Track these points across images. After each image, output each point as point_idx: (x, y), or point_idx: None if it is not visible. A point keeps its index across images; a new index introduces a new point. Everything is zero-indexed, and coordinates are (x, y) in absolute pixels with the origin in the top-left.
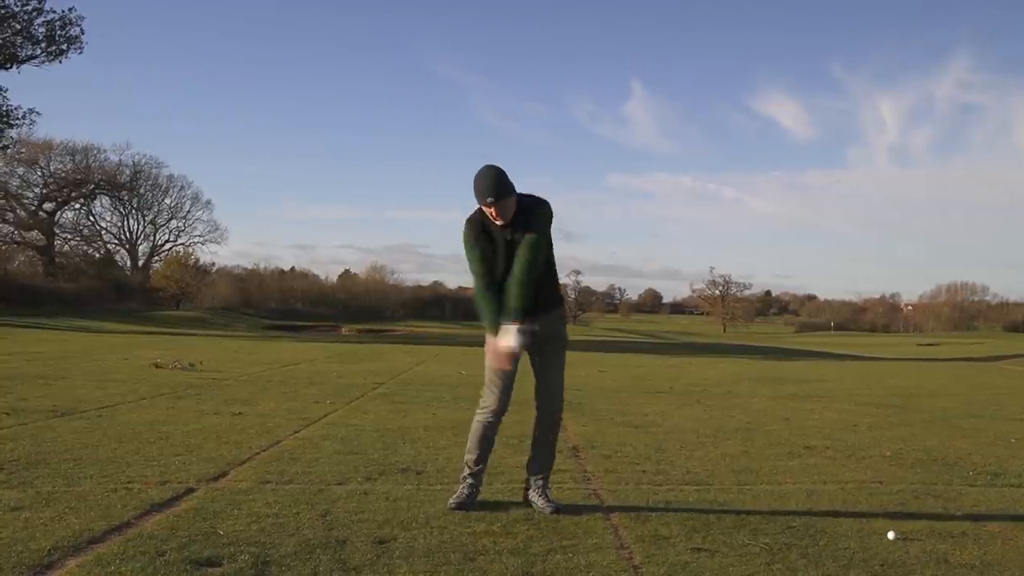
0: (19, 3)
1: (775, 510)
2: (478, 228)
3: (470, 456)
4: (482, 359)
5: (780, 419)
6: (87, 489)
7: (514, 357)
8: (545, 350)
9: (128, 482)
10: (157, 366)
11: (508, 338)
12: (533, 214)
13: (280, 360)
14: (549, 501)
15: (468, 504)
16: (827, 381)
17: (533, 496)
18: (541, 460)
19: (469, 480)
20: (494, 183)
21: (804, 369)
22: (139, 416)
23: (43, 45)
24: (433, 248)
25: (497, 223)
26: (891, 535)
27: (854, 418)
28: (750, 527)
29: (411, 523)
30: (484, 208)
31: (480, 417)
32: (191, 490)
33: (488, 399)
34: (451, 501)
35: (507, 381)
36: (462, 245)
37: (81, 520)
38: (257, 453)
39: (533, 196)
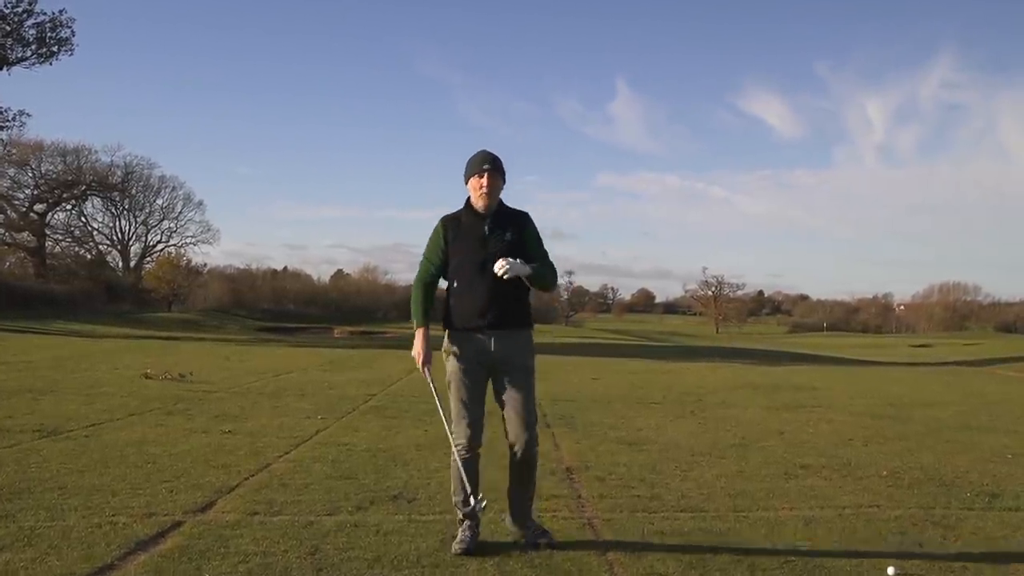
0: (9, 5)
1: (773, 542)
2: (452, 225)
3: (456, 498)
4: None
5: (775, 433)
6: (71, 524)
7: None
8: (508, 378)
9: (113, 515)
10: (147, 376)
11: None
12: (525, 226)
13: (272, 369)
14: (536, 532)
15: (472, 547)
16: (821, 389)
17: (518, 529)
18: (520, 502)
19: (466, 523)
20: (492, 155)
21: (797, 375)
22: (127, 435)
23: (33, 47)
24: (425, 248)
25: (480, 204)
26: (891, 571)
27: (849, 431)
28: (747, 563)
29: (402, 561)
30: (476, 179)
31: (455, 455)
32: (178, 524)
33: (458, 434)
34: (455, 547)
35: (475, 411)
36: (431, 238)
37: (63, 562)
38: (246, 478)
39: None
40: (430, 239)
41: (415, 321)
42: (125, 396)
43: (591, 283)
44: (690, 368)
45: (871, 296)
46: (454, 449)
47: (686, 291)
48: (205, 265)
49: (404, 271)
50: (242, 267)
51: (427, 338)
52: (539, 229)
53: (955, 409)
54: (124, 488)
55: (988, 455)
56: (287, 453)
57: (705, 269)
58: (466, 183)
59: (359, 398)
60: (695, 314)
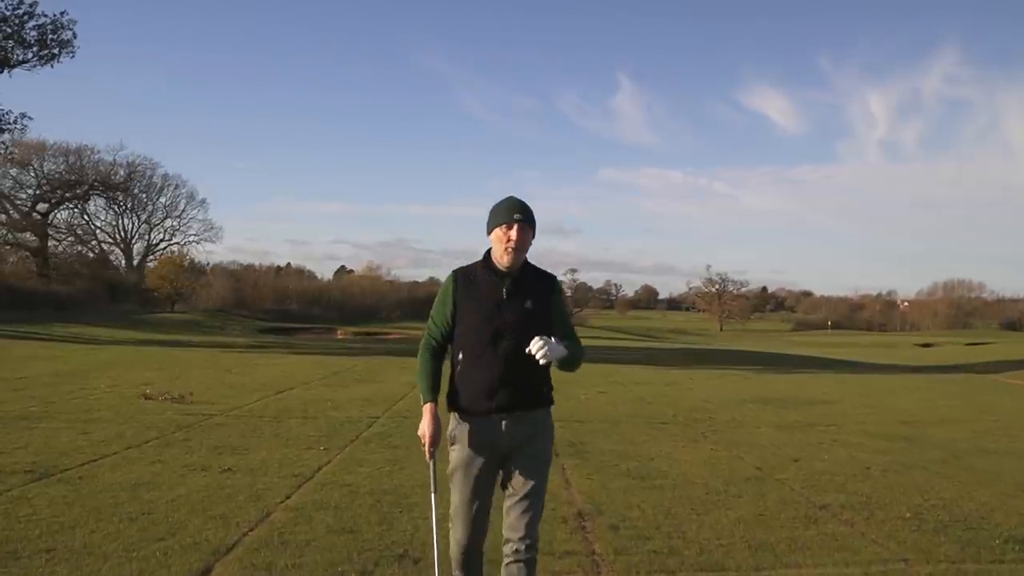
0: (10, 7)
1: None
2: (464, 282)
3: (459, 574)
4: None
5: (790, 460)
6: None
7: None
8: (518, 468)
9: None
10: (146, 397)
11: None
12: (551, 293)
13: (274, 383)
14: None
15: None
16: (831, 403)
17: None
18: None
19: None
20: (522, 203)
21: (806, 386)
22: (123, 476)
23: (35, 49)
24: (427, 243)
25: (505, 260)
26: None
27: (865, 456)
28: None
29: None
30: (503, 230)
31: (454, 550)
32: None
33: (458, 530)
34: None
35: (479, 508)
36: (439, 295)
37: None
38: (245, 533)
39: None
40: (438, 296)
41: (422, 396)
42: (122, 423)
43: (594, 279)
44: (697, 378)
45: (875, 293)
46: (453, 542)
47: (690, 288)
48: (208, 264)
49: (407, 267)
50: (245, 264)
51: (436, 416)
52: (541, 226)
53: (970, 428)
54: (116, 550)
55: (1011, 488)
56: (288, 498)
57: (709, 267)
58: (488, 234)
59: (362, 422)
60: (699, 311)
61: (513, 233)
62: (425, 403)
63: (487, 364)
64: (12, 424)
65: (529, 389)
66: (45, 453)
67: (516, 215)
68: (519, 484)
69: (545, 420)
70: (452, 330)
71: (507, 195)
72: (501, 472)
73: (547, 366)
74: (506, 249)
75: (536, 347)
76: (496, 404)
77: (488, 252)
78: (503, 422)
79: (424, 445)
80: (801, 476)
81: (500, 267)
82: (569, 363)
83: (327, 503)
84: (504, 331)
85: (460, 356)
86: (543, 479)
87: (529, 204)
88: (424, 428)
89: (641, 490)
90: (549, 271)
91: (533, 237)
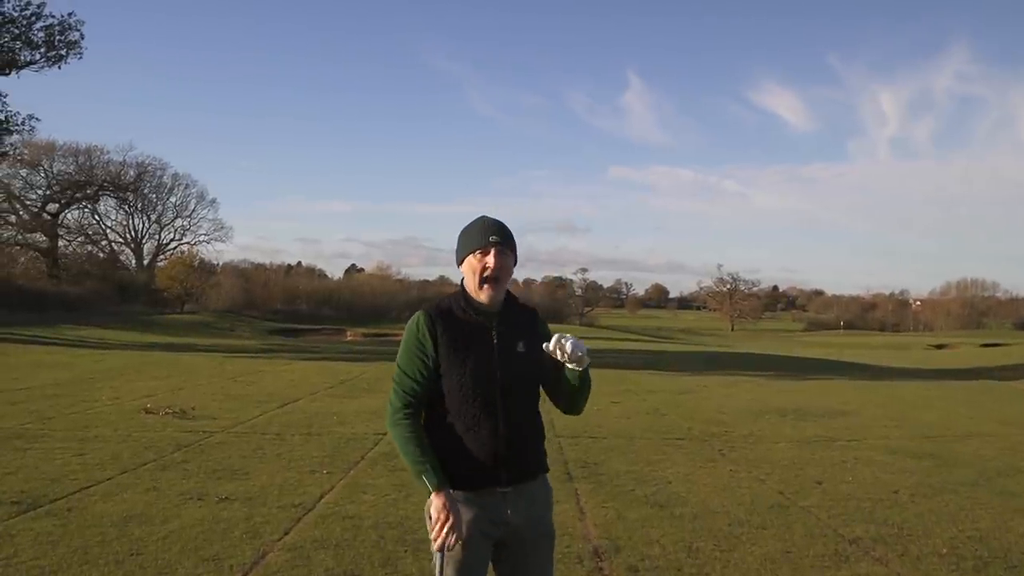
0: (17, 8)
1: None
2: (444, 324)
3: None
4: None
5: (813, 483)
6: None
7: None
8: (524, 552)
9: None
10: (147, 411)
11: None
12: (540, 332)
13: (280, 394)
14: None
15: None
16: (849, 414)
17: None
18: None
19: None
20: (500, 224)
21: (822, 394)
22: (114, 507)
23: (42, 50)
24: (437, 241)
25: (485, 295)
26: None
27: (891, 478)
28: None
29: None
30: (477, 257)
31: None
32: None
33: None
34: None
35: None
36: (408, 341)
37: None
38: None
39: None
40: (406, 342)
41: (426, 479)
42: (120, 443)
43: (604, 278)
44: (710, 385)
45: (887, 292)
46: None
47: (700, 287)
48: (218, 263)
49: (418, 266)
50: (256, 263)
51: (452, 503)
52: (551, 225)
53: (998, 444)
54: None
55: None
56: (286, 534)
57: (720, 266)
58: (459, 263)
59: (368, 439)
60: (710, 310)
61: (490, 259)
62: (437, 490)
63: (488, 427)
64: (6, 444)
65: (536, 453)
66: (36, 480)
67: (492, 237)
68: (527, 568)
69: (548, 487)
70: (432, 383)
71: (480, 215)
72: (495, 551)
73: (541, 428)
74: (484, 280)
75: (562, 345)
76: (504, 477)
77: (463, 285)
78: (508, 496)
79: (441, 533)
80: (827, 502)
81: (481, 303)
82: (584, 390)
83: (327, 540)
84: (505, 384)
85: (449, 419)
86: (552, 558)
87: (530, 203)
88: (443, 514)
89: (660, 520)
90: (529, 304)
91: (515, 263)
